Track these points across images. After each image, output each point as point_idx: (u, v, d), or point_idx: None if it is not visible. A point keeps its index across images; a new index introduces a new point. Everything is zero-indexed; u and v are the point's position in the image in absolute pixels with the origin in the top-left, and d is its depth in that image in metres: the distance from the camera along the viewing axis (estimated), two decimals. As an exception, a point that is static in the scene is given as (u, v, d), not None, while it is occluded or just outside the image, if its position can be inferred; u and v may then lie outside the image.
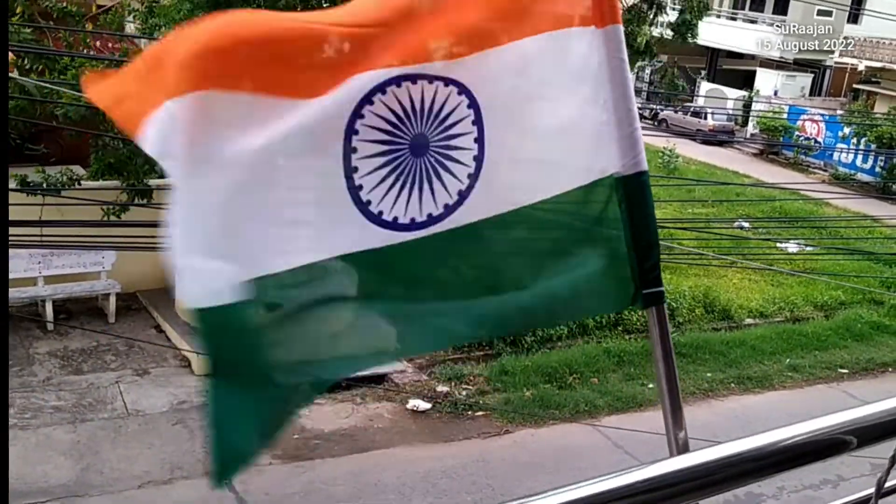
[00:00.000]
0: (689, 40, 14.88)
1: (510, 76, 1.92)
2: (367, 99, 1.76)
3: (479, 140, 1.88)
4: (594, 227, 2.05)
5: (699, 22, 14.47)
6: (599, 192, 1.99)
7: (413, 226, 1.86)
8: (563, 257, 2.07)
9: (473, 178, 1.88)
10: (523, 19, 1.95)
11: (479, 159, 1.88)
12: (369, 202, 1.81)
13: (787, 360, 13.75)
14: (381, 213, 1.82)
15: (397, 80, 1.78)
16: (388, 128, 1.80)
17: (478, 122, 1.87)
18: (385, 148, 1.80)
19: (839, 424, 1.29)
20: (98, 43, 11.97)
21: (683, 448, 1.89)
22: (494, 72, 1.89)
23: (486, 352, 12.71)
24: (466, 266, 2.01)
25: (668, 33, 15.43)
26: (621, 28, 1.98)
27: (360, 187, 1.79)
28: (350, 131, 1.76)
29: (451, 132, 1.85)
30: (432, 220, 1.87)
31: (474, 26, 1.88)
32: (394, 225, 1.84)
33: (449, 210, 1.88)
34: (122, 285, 12.37)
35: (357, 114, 1.75)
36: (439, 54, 1.82)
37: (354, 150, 1.78)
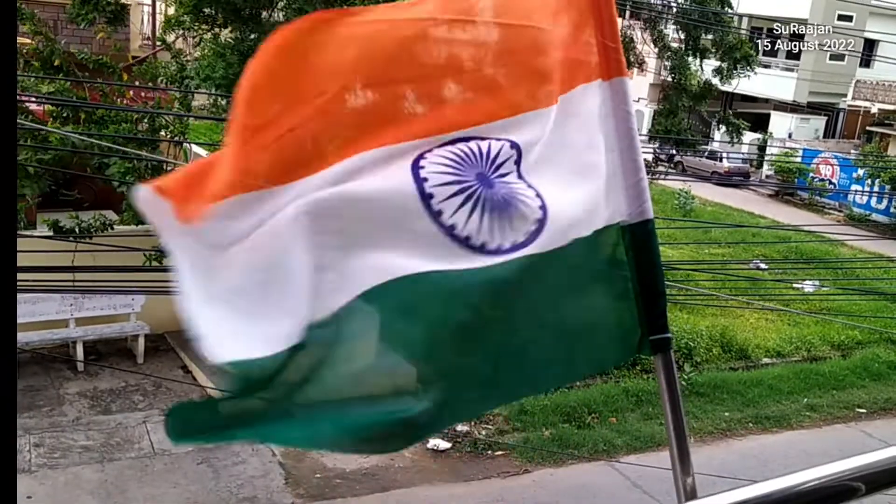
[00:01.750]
0: (725, 86, 15.01)
1: (537, 139, 1.98)
2: (416, 164, 1.84)
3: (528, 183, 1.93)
4: (601, 273, 2.03)
5: (752, 64, 14.63)
6: (606, 239, 1.98)
7: (501, 251, 1.84)
8: (569, 305, 2.07)
9: (544, 210, 1.89)
10: (542, 87, 2.00)
11: (540, 196, 1.91)
12: (454, 226, 1.82)
13: (805, 400, 13.57)
14: (468, 237, 1.83)
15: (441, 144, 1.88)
16: (451, 168, 1.85)
17: (520, 174, 1.93)
18: (453, 178, 1.84)
19: (848, 471, 1.27)
20: (132, 93, 12.20)
21: (691, 494, 1.86)
22: (524, 134, 1.96)
23: (505, 391, 12.64)
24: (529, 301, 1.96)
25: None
26: (627, 80, 2.00)
27: (441, 212, 1.82)
28: (417, 176, 1.83)
29: (506, 177, 1.90)
30: (516, 246, 1.86)
31: (502, 96, 1.96)
32: (483, 251, 1.83)
33: (531, 237, 1.87)
34: (150, 327, 12.46)
35: (416, 165, 1.84)
36: (478, 120, 1.91)
37: (425, 179, 1.83)
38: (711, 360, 14.57)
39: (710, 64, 14.90)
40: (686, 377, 13.48)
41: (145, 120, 11.10)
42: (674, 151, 22.01)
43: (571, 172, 1.98)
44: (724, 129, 15.97)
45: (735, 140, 16.63)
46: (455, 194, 1.83)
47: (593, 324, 2.06)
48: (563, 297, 2.03)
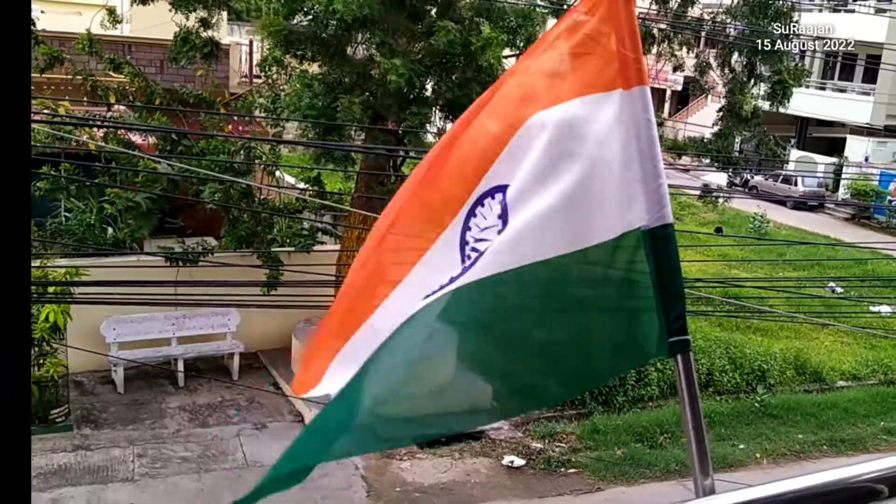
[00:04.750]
0: (780, 109, 14.54)
1: (533, 144, 2.11)
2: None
3: (503, 216, 2.14)
4: (622, 277, 2.06)
5: (792, 90, 14.11)
6: (627, 244, 2.00)
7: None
8: (590, 309, 2.13)
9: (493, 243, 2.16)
10: (548, 91, 2.09)
11: (500, 231, 2.14)
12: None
13: (882, 423, 13.10)
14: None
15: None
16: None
17: (503, 203, 2.15)
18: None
19: (870, 473, 1.25)
20: (230, 127, 12.76)
21: (709, 495, 1.87)
22: (517, 149, 2.15)
23: (578, 410, 12.60)
24: (499, 319, 2.21)
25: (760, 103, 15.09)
26: (647, 89, 2.00)
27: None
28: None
29: (485, 231, 2.24)
30: (451, 280, 2.17)
31: (503, 119, 2.20)
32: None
33: (465, 269, 2.16)
34: (245, 345, 12.88)
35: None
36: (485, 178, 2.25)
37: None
38: (785, 383, 14.21)
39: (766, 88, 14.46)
40: (759, 399, 13.19)
41: (241, 151, 11.63)
42: (731, 174, 21.51)
43: (581, 183, 2.03)
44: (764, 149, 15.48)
45: (776, 162, 16.13)
46: None
47: (610, 331, 2.14)
48: (578, 304, 2.15)
